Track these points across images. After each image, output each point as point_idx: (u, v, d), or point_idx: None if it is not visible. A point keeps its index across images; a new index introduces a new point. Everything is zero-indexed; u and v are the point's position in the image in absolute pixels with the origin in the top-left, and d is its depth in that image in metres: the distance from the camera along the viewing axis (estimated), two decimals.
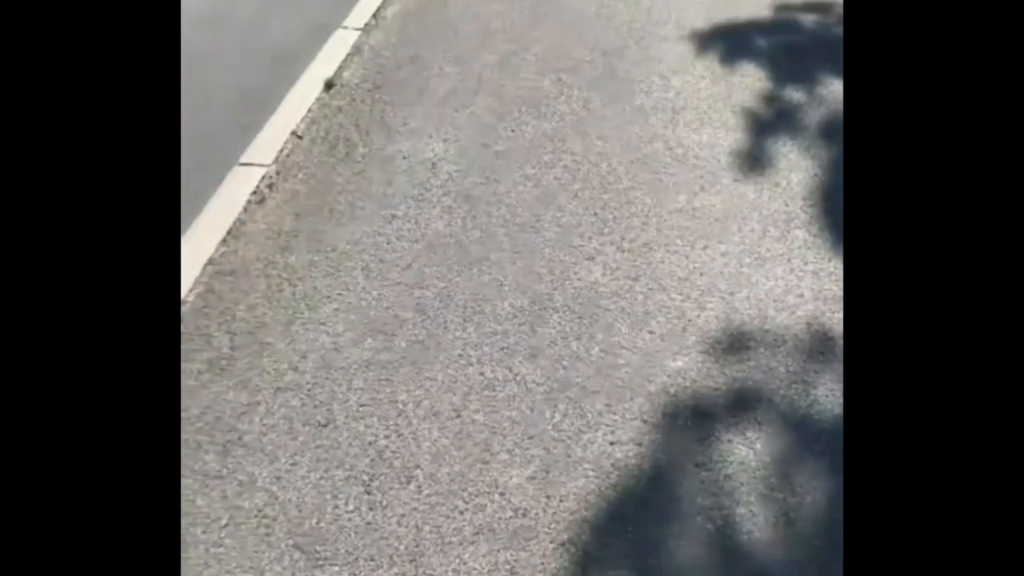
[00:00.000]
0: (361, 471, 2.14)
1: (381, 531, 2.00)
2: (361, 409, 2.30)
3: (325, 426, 2.25)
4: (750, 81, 3.54)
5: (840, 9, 3.99)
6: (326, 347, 2.48)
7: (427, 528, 2.01)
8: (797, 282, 2.61)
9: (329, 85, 3.65)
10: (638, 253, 2.76)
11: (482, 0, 4.27)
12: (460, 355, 2.45)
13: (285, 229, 2.93)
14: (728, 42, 3.80)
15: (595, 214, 2.93)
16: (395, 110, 3.50)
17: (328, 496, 2.08)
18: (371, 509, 2.05)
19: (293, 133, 3.38)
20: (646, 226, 2.86)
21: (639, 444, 2.18)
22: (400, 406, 2.31)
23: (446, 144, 3.29)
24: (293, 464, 2.16)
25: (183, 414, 2.29)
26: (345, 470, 2.14)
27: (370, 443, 2.21)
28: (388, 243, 2.85)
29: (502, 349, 2.46)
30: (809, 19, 3.93)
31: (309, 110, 3.52)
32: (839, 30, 3.84)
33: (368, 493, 2.09)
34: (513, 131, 3.35)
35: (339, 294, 2.66)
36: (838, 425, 2.19)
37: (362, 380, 2.38)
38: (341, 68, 3.78)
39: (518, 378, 2.38)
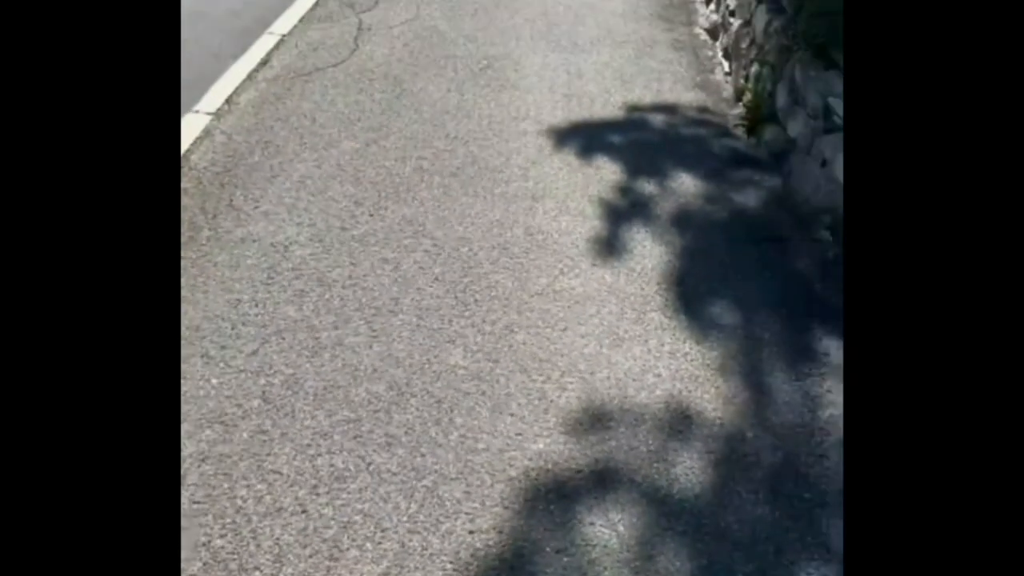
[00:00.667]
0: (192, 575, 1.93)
1: None
2: (195, 507, 2.10)
3: None
4: (605, 173, 3.71)
5: (685, 110, 4.31)
6: None
7: None
8: (655, 362, 2.66)
9: None
10: (499, 335, 2.75)
11: (341, 91, 4.31)
12: (308, 445, 2.31)
13: None
14: (584, 137, 4.00)
15: (456, 297, 2.91)
16: (246, 193, 3.40)
17: None
18: None
19: None
20: (507, 309, 2.87)
21: (500, 531, 2.10)
22: (239, 503, 2.13)
23: (299, 228, 3.22)
24: None
25: None
26: None
27: (203, 544, 2.01)
28: (232, 328, 2.70)
29: (355, 438, 2.35)
30: (658, 119, 4.21)
31: None
32: (686, 130, 4.13)
33: None
34: (372, 215, 3.33)
35: None
36: (699, 503, 2.20)
37: (197, 475, 2.19)
38: (189, 151, 3.67)
39: (371, 468, 2.26)
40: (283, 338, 2.68)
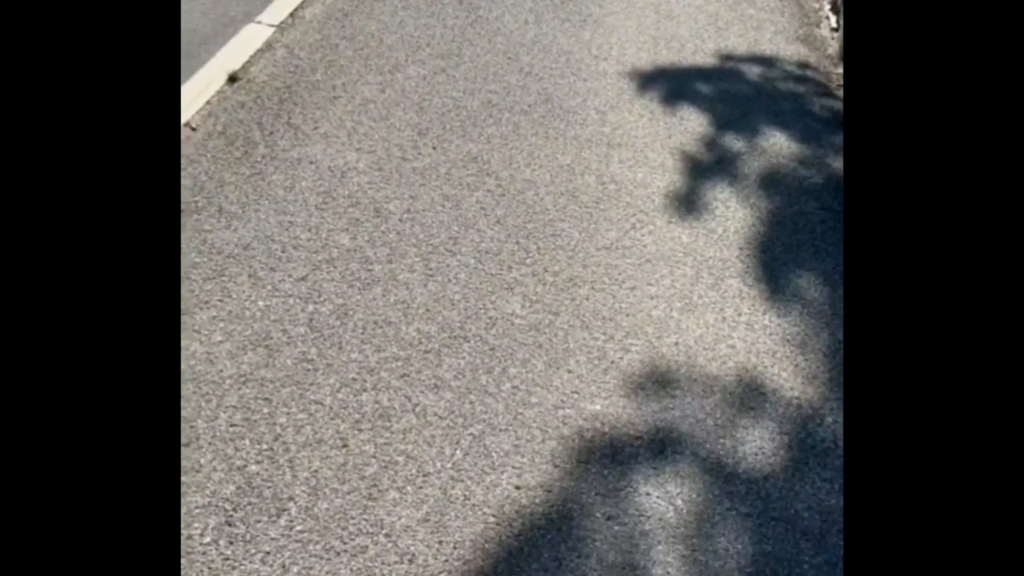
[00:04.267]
0: (224, 499, 1.98)
1: (241, 569, 1.84)
2: (231, 430, 2.15)
3: (187, 445, 2.09)
4: (690, 125, 3.64)
5: (784, 64, 4.18)
6: (198, 357, 2.33)
7: (295, 569, 1.86)
8: (729, 332, 2.63)
9: (233, 79, 3.55)
10: (561, 287, 2.73)
11: (411, 13, 4.28)
12: (354, 379, 2.34)
13: None
14: (669, 84, 3.91)
15: (517, 243, 2.90)
16: (305, 113, 3.42)
17: (182, 524, 1.91)
18: (231, 543, 1.89)
19: (187, 124, 3.25)
20: (571, 260, 2.85)
21: (548, 490, 2.11)
22: (278, 430, 2.17)
23: (359, 154, 3.23)
24: None
25: None
26: (205, 496, 1.98)
27: (238, 468, 2.06)
28: (282, 251, 2.74)
29: (402, 376, 2.37)
30: (754, 71, 4.10)
31: (208, 102, 3.40)
32: (783, 86, 4.02)
33: (230, 524, 1.93)
34: (435, 148, 3.32)
35: (220, 301, 2.52)
36: (767, 485, 2.18)
37: (236, 397, 2.24)
38: (249, 63, 3.69)
39: (417, 409, 2.28)
40: (334, 266, 2.70)
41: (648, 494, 2.13)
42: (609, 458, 2.21)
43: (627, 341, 2.56)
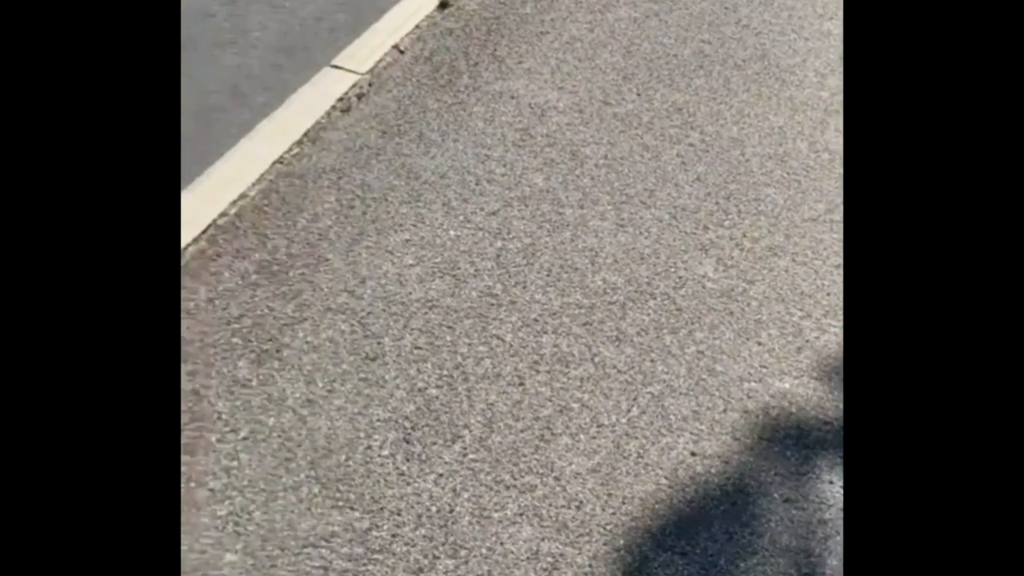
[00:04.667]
0: (404, 416, 2.06)
1: (414, 486, 1.91)
2: (415, 352, 2.22)
3: (373, 360, 2.18)
4: None
5: None
6: (389, 277, 2.41)
7: (466, 495, 1.91)
8: None
9: (444, 4, 3.61)
10: (759, 256, 2.63)
11: None
12: (535, 320, 2.36)
13: (368, 144, 2.87)
14: None
15: (716, 203, 2.80)
16: (511, 46, 3.43)
17: (362, 435, 2.00)
18: (407, 460, 1.96)
19: (395, 47, 3.34)
20: (774, 229, 2.73)
21: (725, 462, 2.06)
22: (459, 359, 2.22)
23: (560, 93, 3.21)
24: (330, 391, 2.09)
25: (221, 312, 2.24)
26: (387, 411, 2.06)
27: (419, 390, 2.13)
28: (477, 183, 2.77)
29: (584, 324, 2.36)
30: None
31: (417, 26, 3.47)
32: None
33: (407, 442, 2.00)
34: (639, 95, 3.25)
35: (413, 225, 2.59)
36: None
37: (422, 321, 2.31)
38: None
39: (597, 359, 2.27)
40: (526, 205, 2.71)
41: (831, 483, 2.04)
42: (793, 439, 2.12)
43: (825, 321, 2.44)
